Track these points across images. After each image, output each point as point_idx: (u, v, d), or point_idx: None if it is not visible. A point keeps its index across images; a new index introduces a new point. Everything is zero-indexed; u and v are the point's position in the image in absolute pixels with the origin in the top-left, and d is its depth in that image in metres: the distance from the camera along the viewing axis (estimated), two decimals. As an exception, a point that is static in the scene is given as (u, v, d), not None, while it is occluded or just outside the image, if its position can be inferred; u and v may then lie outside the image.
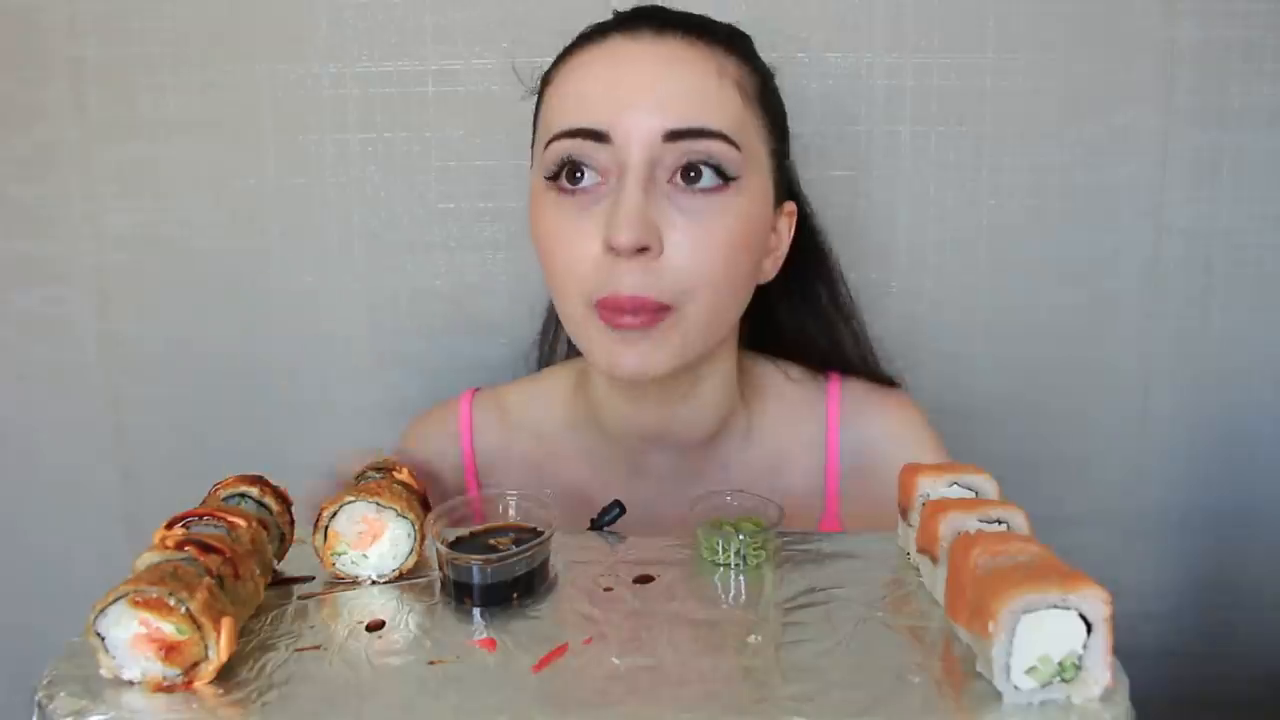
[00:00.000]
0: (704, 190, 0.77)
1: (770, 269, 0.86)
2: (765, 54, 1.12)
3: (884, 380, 0.98)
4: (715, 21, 0.84)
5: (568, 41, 0.85)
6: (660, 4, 0.84)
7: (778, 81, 0.87)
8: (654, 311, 0.76)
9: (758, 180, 0.80)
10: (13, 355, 1.22)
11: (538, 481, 0.93)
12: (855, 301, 0.99)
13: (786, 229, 0.87)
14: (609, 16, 0.84)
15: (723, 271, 0.77)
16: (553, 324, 1.05)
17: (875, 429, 0.93)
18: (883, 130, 1.13)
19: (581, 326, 0.80)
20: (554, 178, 0.79)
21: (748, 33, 0.86)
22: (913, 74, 1.12)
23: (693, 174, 0.76)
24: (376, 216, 1.17)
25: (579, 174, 0.78)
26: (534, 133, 0.86)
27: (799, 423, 0.93)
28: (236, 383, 1.20)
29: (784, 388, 0.94)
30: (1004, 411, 1.18)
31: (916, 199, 1.15)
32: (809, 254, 0.95)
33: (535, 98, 0.86)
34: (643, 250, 0.75)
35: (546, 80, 0.85)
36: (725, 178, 0.77)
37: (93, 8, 1.13)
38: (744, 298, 0.83)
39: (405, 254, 1.17)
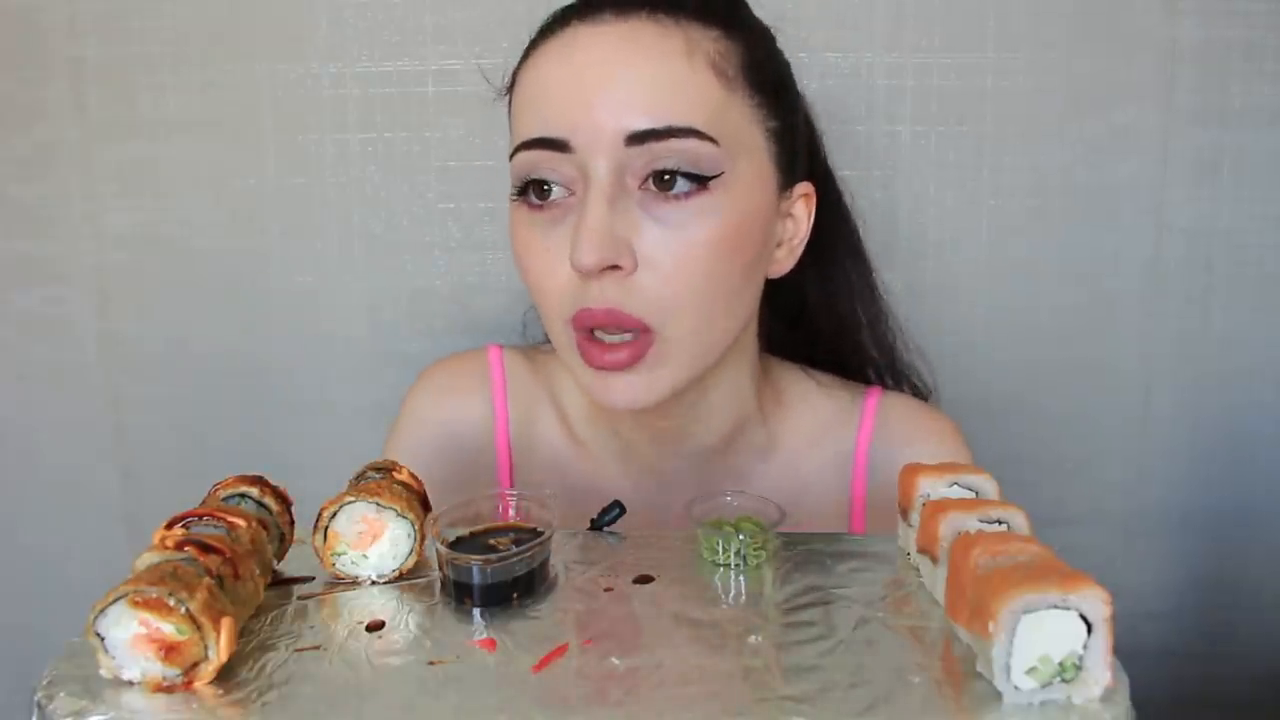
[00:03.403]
0: (679, 196, 0.69)
1: (786, 259, 0.78)
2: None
3: (919, 392, 0.93)
4: None
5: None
6: None
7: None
8: (631, 333, 0.71)
9: (749, 170, 0.72)
10: (13, 355, 1.22)
11: (558, 465, 0.88)
12: (886, 298, 0.93)
13: (805, 213, 0.79)
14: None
15: (705, 285, 0.71)
16: None
17: (913, 453, 0.82)
18: (883, 130, 1.13)
19: (567, 353, 0.75)
20: (521, 194, 0.74)
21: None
22: (913, 74, 1.12)
23: (665, 178, 0.69)
24: (376, 216, 1.17)
25: (545, 188, 0.72)
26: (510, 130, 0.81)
27: (827, 438, 0.86)
28: (236, 383, 1.20)
29: (814, 398, 0.87)
30: (1004, 411, 1.18)
31: (916, 199, 1.15)
32: (834, 241, 0.88)
33: (507, 100, 0.81)
34: (613, 269, 0.69)
35: (513, 81, 0.78)
36: (703, 178, 0.69)
37: (93, 8, 1.13)
38: (742, 306, 0.76)
39: (405, 254, 1.17)
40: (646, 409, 0.74)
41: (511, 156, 0.74)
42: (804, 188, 0.79)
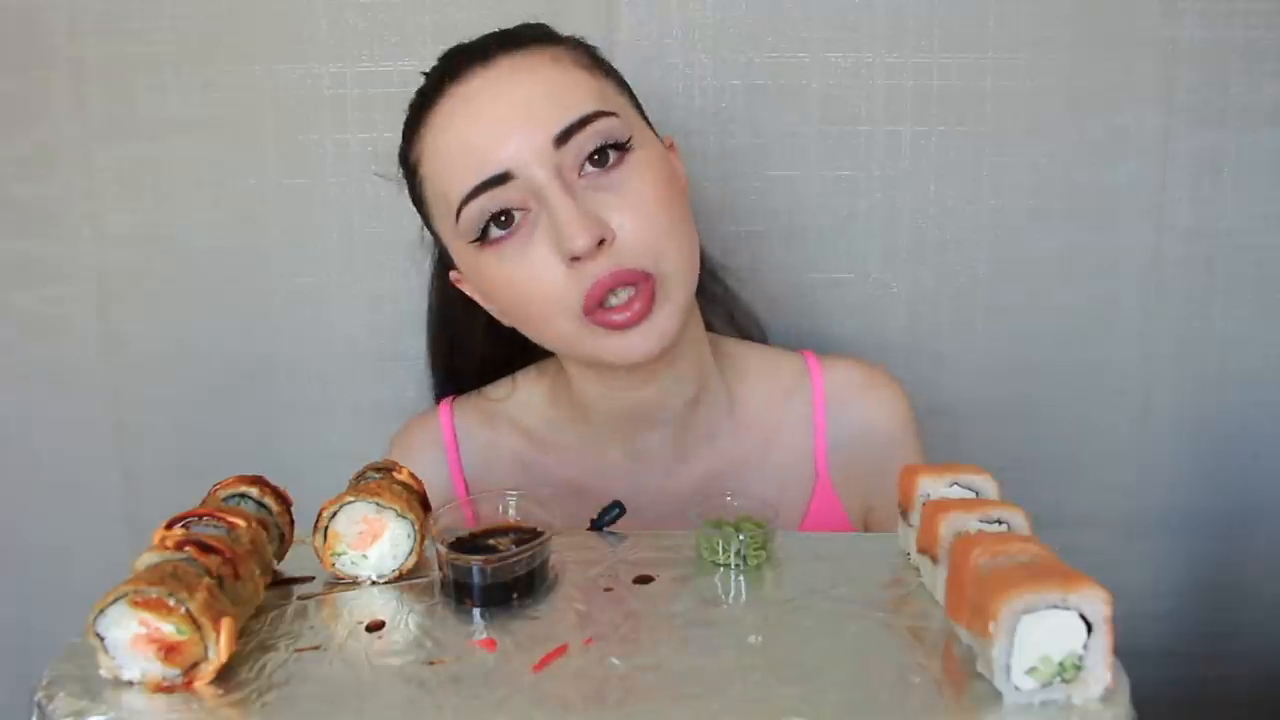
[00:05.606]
0: (613, 165, 0.80)
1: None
2: (765, 54, 1.12)
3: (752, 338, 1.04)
4: (516, 28, 0.87)
5: None
6: (458, 45, 0.87)
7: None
8: (640, 283, 0.79)
9: (641, 131, 0.85)
10: (13, 355, 1.21)
11: (529, 478, 0.94)
12: (716, 257, 1.04)
13: (678, 160, 0.91)
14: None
15: (670, 218, 0.81)
16: (440, 353, 1.06)
17: (868, 412, 0.96)
18: (883, 130, 1.13)
19: (580, 341, 0.82)
20: (483, 236, 0.81)
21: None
22: (913, 74, 1.12)
23: (596, 156, 0.80)
24: (376, 216, 1.16)
25: (503, 217, 0.80)
26: (423, 213, 0.88)
27: (785, 398, 0.96)
28: (237, 383, 1.20)
29: (762, 362, 0.98)
30: (1004, 412, 1.18)
31: (916, 199, 1.15)
32: None
33: (406, 182, 0.89)
34: (600, 243, 0.78)
35: (413, 159, 0.86)
36: (621, 145, 0.81)
37: (93, 8, 1.13)
38: (697, 234, 0.86)
39: (405, 254, 1.17)
40: (656, 355, 0.81)
41: (458, 213, 0.81)
42: (669, 140, 0.91)
